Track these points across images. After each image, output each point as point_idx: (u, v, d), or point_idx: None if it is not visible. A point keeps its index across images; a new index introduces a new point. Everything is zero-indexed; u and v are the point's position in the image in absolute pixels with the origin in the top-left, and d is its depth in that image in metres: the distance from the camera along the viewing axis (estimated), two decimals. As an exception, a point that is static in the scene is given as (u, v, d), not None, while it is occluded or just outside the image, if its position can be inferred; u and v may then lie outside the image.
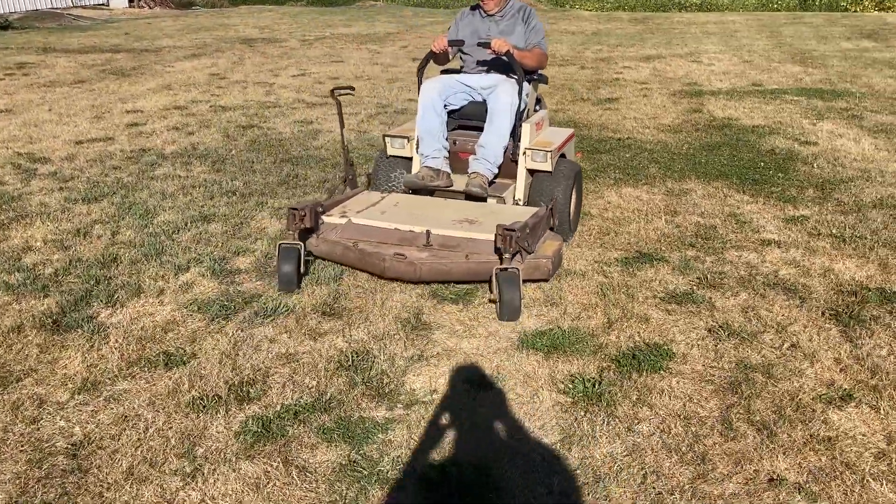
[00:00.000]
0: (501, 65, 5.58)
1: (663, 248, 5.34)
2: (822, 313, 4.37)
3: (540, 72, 5.80)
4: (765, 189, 6.73)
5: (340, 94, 5.51)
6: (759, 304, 4.49)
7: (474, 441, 3.24)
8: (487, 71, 5.65)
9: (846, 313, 4.34)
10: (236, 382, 3.66)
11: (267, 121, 9.57)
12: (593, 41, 18.43)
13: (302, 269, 4.66)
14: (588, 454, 3.16)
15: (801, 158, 7.78)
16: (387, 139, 5.74)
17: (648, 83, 12.47)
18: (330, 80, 12.70)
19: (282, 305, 4.45)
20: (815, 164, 7.53)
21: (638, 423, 3.37)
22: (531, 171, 5.54)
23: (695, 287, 4.72)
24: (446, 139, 5.54)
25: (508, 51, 5.17)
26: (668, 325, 4.24)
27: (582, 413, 3.45)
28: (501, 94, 5.25)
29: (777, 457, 3.13)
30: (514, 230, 4.34)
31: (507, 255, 4.36)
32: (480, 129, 5.69)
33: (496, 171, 5.41)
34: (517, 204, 5.52)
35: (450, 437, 3.27)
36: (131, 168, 7.39)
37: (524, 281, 4.40)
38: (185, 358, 3.86)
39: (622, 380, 3.70)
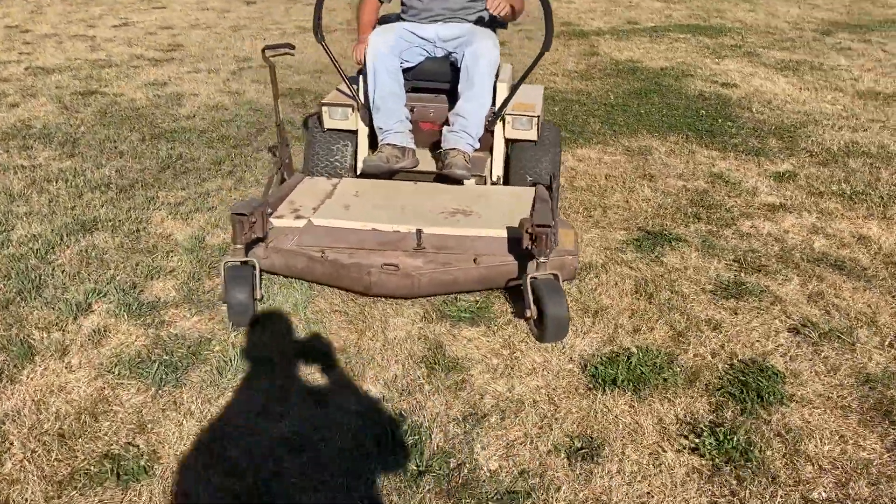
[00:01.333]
0: (461, 8, 4.46)
1: (668, 224, 4.53)
2: None
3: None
4: (724, 141, 6.11)
5: (275, 55, 4.17)
6: (823, 289, 3.79)
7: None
8: (444, 18, 4.49)
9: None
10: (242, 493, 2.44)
11: (108, 84, 7.79)
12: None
13: (258, 294, 3.41)
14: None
15: (735, 103, 7.27)
16: (324, 109, 4.48)
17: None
18: (162, 30, 10.85)
19: (249, 351, 3.20)
20: (752, 109, 7.05)
21: (812, 489, 2.53)
22: (510, 142, 4.51)
23: (739, 273, 3.94)
24: (406, 107, 4.38)
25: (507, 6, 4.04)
26: (746, 330, 3.44)
27: (735, 482, 2.55)
28: (482, 50, 4.15)
29: None
30: (548, 225, 3.32)
31: (541, 259, 3.34)
32: (440, 92, 4.57)
33: (478, 145, 4.33)
34: (497, 183, 4.49)
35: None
36: (-56, 158, 5.57)
37: None
38: (143, 465, 2.57)
39: (751, 419, 2.85)
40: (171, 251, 4.07)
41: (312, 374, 3.08)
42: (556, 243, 3.54)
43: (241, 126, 6.36)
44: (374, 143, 4.48)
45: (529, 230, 3.37)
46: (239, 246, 3.43)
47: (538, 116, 4.34)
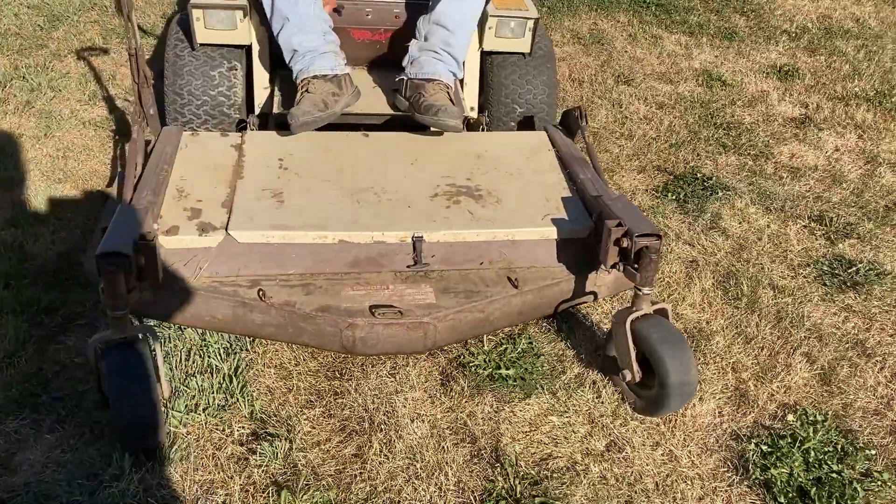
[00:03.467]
0: None
1: (691, 158, 3.36)
2: None
3: None
4: (684, 19, 4.91)
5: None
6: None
7: None
8: None
9: None
10: None
11: None
12: None
13: (165, 391, 1.88)
14: None
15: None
16: (196, 12, 2.71)
17: None
18: None
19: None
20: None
21: None
22: (486, 55, 3.03)
23: (831, 243, 2.86)
24: (327, 7, 2.74)
25: None
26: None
27: None
28: None
29: None
30: (656, 235, 2.02)
31: (645, 290, 2.04)
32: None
33: (462, 73, 2.81)
34: (473, 120, 3.03)
35: None
36: None
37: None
38: None
39: None
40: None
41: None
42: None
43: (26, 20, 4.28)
44: (280, 64, 2.82)
45: (624, 243, 2.03)
46: (118, 312, 1.83)
47: (535, 20, 2.87)
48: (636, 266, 2.01)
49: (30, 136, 3.17)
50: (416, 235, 2.18)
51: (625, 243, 2.02)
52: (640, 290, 2.03)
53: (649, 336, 2.01)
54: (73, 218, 2.67)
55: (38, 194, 2.77)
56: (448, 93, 2.60)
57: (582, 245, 2.24)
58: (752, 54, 4.43)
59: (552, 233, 2.25)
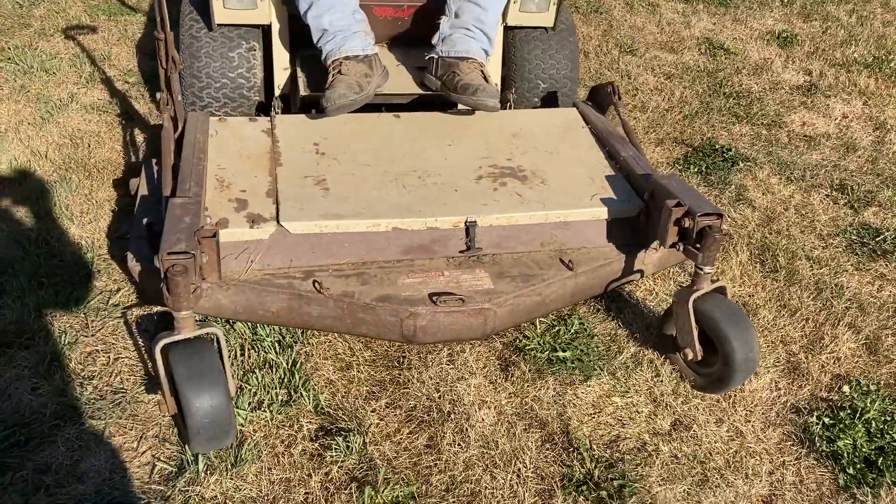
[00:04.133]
0: None
1: (707, 129, 3.36)
2: None
3: None
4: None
5: None
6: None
7: None
8: None
9: None
10: None
11: None
12: None
13: (232, 388, 1.83)
14: None
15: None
16: (214, -10, 2.61)
17: None
18: None
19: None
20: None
21: None
22: (509, 30, 2.98)
23: (855, 211, 2.90)
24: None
25: None
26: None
27: None
28: None
29: None
30: (718, 214, 2.03)
31: (706, 269, 2.05)
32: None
33: (493, 49, 2.75)
34: (496, 96, 2.97)
35: None
36: None
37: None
38: None
39: None
40: None
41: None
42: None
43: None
44: (300, 43, 2.74)
45: (685, 223, 2.03)
46: (184, 314, 1.77)
47: (557, -9, 2.83)
48: (698, 245, 2.01)
49: (30, 122, 3.04)
50: (469, 220, 2.14)
51: (686, 223, 2.01)
52: (701, 269, 2.03)
53: (712, 314, 2.01)
54: (97, 211, 2.57)
55: (53, 186, 2.66)
56: (482, 71, 2.55)
57: (631, 224, 2.23)
58: (748, 21, 4.44)
59: (602, 213, 2.23)
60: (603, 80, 3.62)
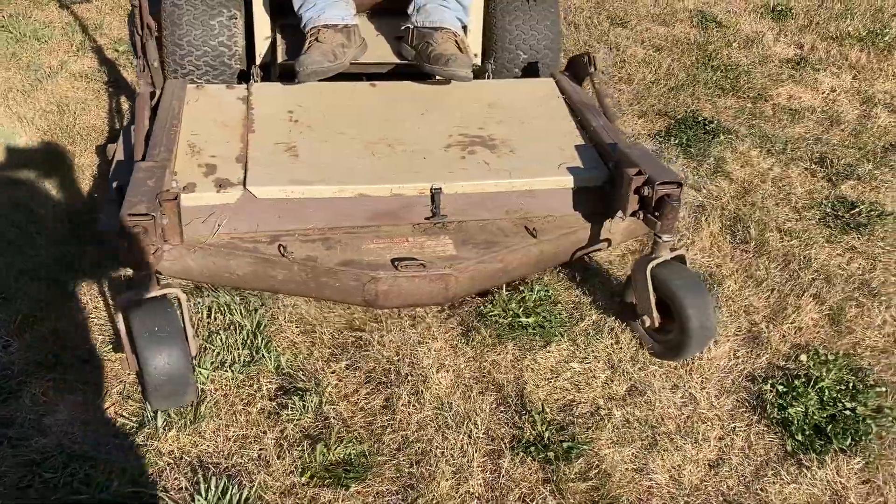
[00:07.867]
0: None
1: (691, 101, 3.36)
2: None
3: None
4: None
5: None
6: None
7: None
8: None
9: None
10: None
11: None
12: None
13: (193, 348, 1.88)
14: None
15: None
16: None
17: None
18: None
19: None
20: None
21: None
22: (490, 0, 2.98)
23: (833, 184, 2.90)
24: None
25: None
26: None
27: None
28: None
29: None
30: (677, 183, 2.05)
31: (664, 237, 2.07)
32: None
33: (468, 19, 2.77)
34: (475, 68, 2.98)
35: None
36: None
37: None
38: None
39: None
40: None
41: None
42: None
43: None
44: (281, 11, 2.77)
45: (645, 192, 2.05)
46: (144, 272, 1.82)
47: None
48: (657, 214, 2.03)
49: (19, 89, 3.09)
50: (434, 187, 2.17)
51: (645, 191, 2.03)
52: (659, 237, 2.06)
53: (669, 282, 2.04)
54: (78, 176, 2.62)
55: (37, 152, 2.72)
56: (456, 41, 2.57)
57: (597, 193, 2.25)
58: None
59: (568, 181, 2.25)
60: (591, 52, 3.62)
